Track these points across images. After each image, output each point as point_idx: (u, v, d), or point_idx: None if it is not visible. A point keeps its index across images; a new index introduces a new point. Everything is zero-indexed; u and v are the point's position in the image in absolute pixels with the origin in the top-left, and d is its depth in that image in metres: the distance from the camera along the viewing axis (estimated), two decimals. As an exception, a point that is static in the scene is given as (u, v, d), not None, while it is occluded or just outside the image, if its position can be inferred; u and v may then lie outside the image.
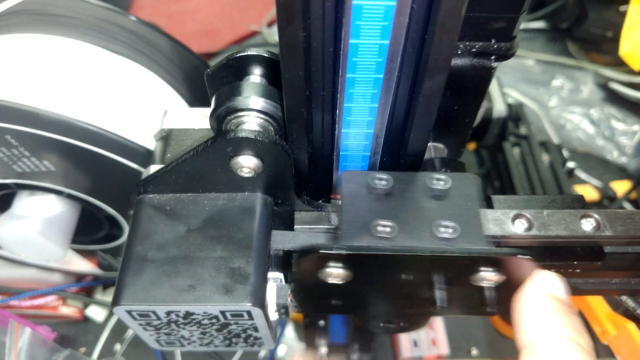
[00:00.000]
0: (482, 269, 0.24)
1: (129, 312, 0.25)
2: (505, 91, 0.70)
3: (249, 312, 0.25)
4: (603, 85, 0.85)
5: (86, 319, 0.61)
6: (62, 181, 0.41)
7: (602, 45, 0.89)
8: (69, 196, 0.43)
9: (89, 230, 0.49)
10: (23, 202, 0.43)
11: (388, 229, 0.25)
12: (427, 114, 0.25)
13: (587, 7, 0.87)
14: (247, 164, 0.25)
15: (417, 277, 0.25)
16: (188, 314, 0.25)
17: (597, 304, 0.40)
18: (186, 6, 0.97)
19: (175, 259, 0.26)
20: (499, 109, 0.66)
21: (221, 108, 0.26)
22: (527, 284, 0.26)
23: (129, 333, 0.60)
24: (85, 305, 0.61)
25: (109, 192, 0.43)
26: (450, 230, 0.25)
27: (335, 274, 0.24)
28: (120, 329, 0.61)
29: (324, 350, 0.52)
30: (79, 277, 0.59)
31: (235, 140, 0.24)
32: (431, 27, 0.21)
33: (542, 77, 0.88)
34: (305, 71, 0.22)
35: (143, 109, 0.40)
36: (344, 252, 0.23)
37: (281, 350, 0.61)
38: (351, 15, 0.20)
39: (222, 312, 0.25)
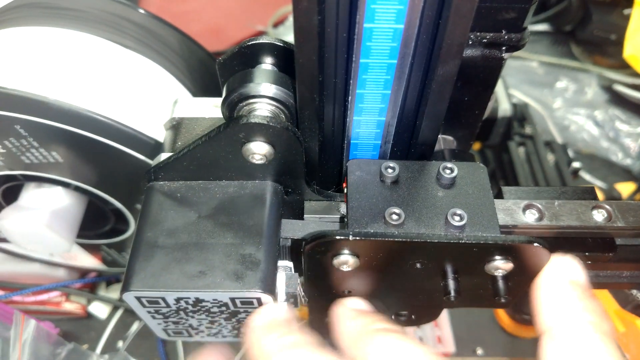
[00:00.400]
0: (496, 257, 0.24)
1: (139, 299, 0.25)
2: (509, 92, 0.70)
3: (258, 299, 0.25)
4: (607, 87, 0.85)
5: (89, 316, 0.60)
6: (70, 173, 0.41)
7: (605, 48, 0.89)
8: (76, 189, 0.43)
9: (94, 224, 0.49)
10: (30, 194, 0.43)
11: (397, 217, 0.25)
12: (440, 101, 0.25)
13: (591, 9, 0.87)
14: (258, 150, 0.25)
15: (429, 265, 0.25)
16: (198, 301, 0.25)
17: (605, 301, 0.40)
18: (192, 6, 0.97)
19: (186, 245, 0.25)
20: (504, 108, 0.66)
21: (233, 95, 0.26)
22: (545, 270, 0.25)
23: (132, 330, 0.60)
24: (89, 302, 0.60)
25: (116, 184, 0.43)
26: (463, 218, 0.25)
27: (344, 261, 0.24)
28: (123, 326, 0.60)
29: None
30: (83, 272, 0.59)
31: (247, 126, 0.24)
32: (445, 12, 0.21)
33: (546, 78, 0.88)
34: (319, 56, 0.22)
35: (150, 101, 0.40)
36: (350, 238, 0.23)
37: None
38: (366, -2, 0.20)
39: (232, 299, 0.25)
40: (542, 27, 0.94)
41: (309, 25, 0.21)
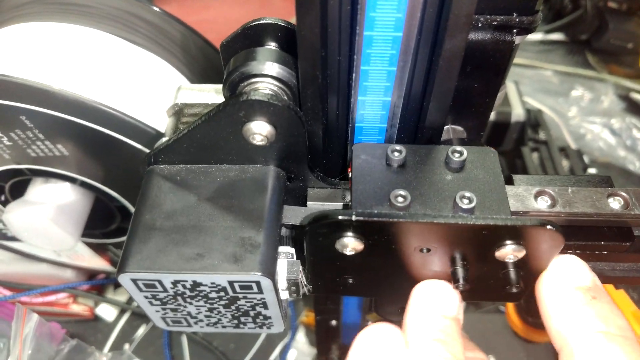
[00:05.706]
0: (507, 242, 0.23)
1: (135, 282, 0.24)
2: (523, 99, 0.69)
3: (258, 283, 0.24)
4: (624, 96, 0.83)
5: (96, 318, 0.60)
6: (75, 167, 0.41)
7: (622, 57, 0.88)
8: (83, 184, 0.43)
9: (101, 222, 0.49)
10: (36, 189, 0.43)
11: (402, 199, 0.24)
12: (447, 79, 0.24)
13: (607, 18, 0.86)
14: (259, 130, 0.24)
15: (436, 251, 0.24)
16: (195, 285, 0.24)
17: (621, 302, 0.38)
18: (205, 16, 0.98)
19: (184, 228, 0.25)
20: (518, 113, 0.65)
21: (235, 74, 0.25)
22: (548, 273, 0.25)
23: (139, 333, 0.59)
24: (96, 304, 0.60)
25: (121, 180, 0.42)
26: (472, 201, 0.23)
27: (347, 244, 0.23)
28: (130, 328, 0.60)
29: (335, 353, 0.51)
30: (91, 274, 0.58)
31: (247, 103, 0.24)
32: (452, -20, 0.20)
33: (560, 87, 0.87)
34: (322, 29, 0.22)
35: (156, 95, 0.40)
36: (354, 218, 0.22)
37: (291, 356, 0.60)
38: (369, -35, 0.20)
39: (231, 283, 0.24)
40: (557, 36, 0.93)
41: (311, -6, 0.21)
